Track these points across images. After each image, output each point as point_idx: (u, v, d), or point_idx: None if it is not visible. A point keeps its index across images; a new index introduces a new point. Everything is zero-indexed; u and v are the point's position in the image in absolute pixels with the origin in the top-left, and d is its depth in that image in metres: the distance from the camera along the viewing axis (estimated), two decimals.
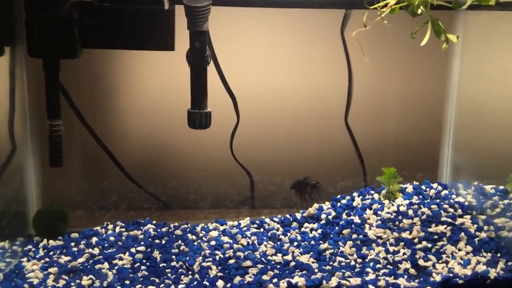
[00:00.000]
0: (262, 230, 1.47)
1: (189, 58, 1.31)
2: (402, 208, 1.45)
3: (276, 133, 1.66)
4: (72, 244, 1.38)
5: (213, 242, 1.39)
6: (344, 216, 1.48)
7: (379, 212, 1.46)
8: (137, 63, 1.64)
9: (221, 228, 1.48)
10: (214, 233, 1.43)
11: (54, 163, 1.31)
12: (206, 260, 1.29)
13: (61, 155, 1.32)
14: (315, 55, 1.61)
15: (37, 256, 1.31)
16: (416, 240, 1.33)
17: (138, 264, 1.28)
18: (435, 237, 1.32)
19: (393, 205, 1.48)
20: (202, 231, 1.46)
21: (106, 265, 1.27)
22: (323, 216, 1.49)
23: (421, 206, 1.46)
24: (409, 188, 1.56)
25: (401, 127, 1.67)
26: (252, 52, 1.60)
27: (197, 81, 1.33)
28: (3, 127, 1.40)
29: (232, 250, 1.34)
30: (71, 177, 1.62)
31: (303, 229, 1.47)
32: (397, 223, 1.40)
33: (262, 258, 1.31)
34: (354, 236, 1.39)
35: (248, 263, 1.27)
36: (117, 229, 1.47)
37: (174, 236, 1.42)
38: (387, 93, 1.66)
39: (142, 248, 1.35)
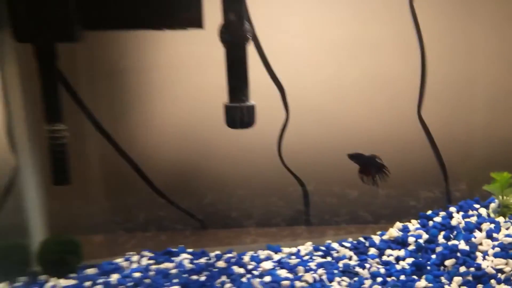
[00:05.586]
0: (330, 259, 1.14)
1: (223, 35, 1.03)
2: None
3: (334, 132, 1.42)
4: (88, 284, 1.08)
5: (267, 278, 1.06)
6: (441, 239, 1.13)
7: (494, 235, 1.10)
8: (159, 48, 1.36)
9: (276, 257, 1.15)
10: (267, 265, 1.12)
11: (59, 180, 1.03)
12: None
13: (66, 170, 1.03)
14: (378, 34, 1.37)
15: None
16: None
17: None
18: None
19: None
20: (252, 262, 1.13)
21: None
22: (411, 239, 1.15)
23: None
24: None
25: (495, 118, 1.41)
26: (300, 32, 1.37)
27: (234, 65, 1.05)
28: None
29: None
30: (85, 196, 1.36)
31: (385, 257, 1.13)
32: None
33: None
34: (463, 269, 1.03)
35: None
36: (144, 261, 1.17)
37: (216, 269, 1.10)
38: (473, 77, 1.40)
39: None
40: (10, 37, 0.97)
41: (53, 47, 0.98)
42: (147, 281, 1.08)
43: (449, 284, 1.00)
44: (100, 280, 1.08)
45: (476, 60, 1.40)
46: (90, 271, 1.12)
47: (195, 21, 1.02)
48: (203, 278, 1.07)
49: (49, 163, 1.03)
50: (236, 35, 1.01)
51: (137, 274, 1.10)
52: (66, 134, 1.03)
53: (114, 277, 1.09)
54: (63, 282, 1.08)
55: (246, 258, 1.15)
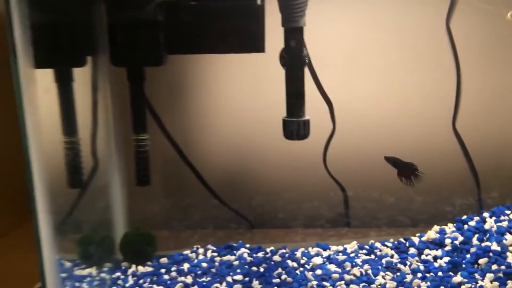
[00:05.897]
0: (373, 257, 1.27)
1: (284, 59, 1.16)
2: None
3: (374, 143, 1.50)
4: (163, 270, 1.25)
5: (318, 271, 1.20)
6: (475, 241, 1.25)
7: None
8: (224, 68, 1.51)
9: (325, 253, 1.29)
10: (317, 260, 1.25)
11: (142, 181, 1.20)
12: None
13: (148, 173, 1.20)
14: (417, 52, 1.46)
15: (127, 285, 1.20)
16: None
17: None
18: None
19: None
20: (303, 257, 1.27)
21: None
22: (448, 241, 1.27)
23: None
24: None
25: None
26: (345, 51, 1.48)
27: (294, 85, 1.17)
28: (86, 144, 1.30)
29: (343, 282, 1.15)
30: (155, 196, 1.51)
31: (423, 256, 1.25)
32: None
33: None
34: (494, 267, 1.15)
35: None
36: (209, 254, 1.32)
37: (272, 262, 1.25)
38: (506, 92, 1.48)
39: (239, 277, 1.19)
40: (107, 61, 1.15)
41: (142, 70, 1.16)
42: (213, 270, 1.24)
43: (482, 280, 1.12)
44: (173, 268, 1.25)
45: (509, 75, 1.46)
46: (163, 260, 1.29)
47: (258, 46, 1.17)
48: (262, 270, 1.22)
49: (134, 167, 1.21)
50: (296, 60, 1.14)
51: (204, 264, 1.26)
52: (148, 143, 1.20)
53: (185, 266, 1.26)
54: (141, 269, 1.25)
55: (298, 254, 1.29)
